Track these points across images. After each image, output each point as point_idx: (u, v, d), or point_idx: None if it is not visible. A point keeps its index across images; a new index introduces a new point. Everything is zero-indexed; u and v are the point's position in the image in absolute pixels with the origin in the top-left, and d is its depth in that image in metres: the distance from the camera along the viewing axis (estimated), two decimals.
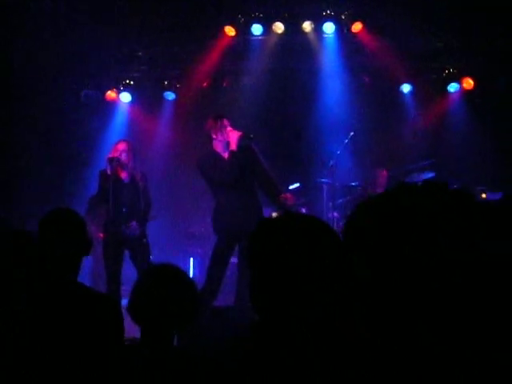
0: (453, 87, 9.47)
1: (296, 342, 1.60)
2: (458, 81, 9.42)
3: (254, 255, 1.80)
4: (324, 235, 1.75)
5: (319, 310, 1.65)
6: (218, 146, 6.15)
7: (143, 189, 6.68)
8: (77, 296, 2.90)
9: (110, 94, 9.56)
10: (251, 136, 6.14)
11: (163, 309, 2.50)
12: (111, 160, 6.48)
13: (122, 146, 6.71)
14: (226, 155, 6.08)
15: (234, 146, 6.02)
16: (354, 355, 1.50)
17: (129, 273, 6.44)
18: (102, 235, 6.74)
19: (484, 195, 8.48)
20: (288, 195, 6.39)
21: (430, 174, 8.47)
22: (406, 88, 9.65)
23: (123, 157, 6.59)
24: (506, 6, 8.14)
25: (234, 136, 6.04)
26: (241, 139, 6.05)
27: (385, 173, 8.92)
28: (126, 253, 6.67)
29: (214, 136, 6.13)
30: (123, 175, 6.63)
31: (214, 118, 6.18)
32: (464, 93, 9.55)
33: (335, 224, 8.42)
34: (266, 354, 1.63)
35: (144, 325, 2.52)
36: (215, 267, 6.15)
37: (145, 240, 6.70)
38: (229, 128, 6.10)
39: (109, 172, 6.46)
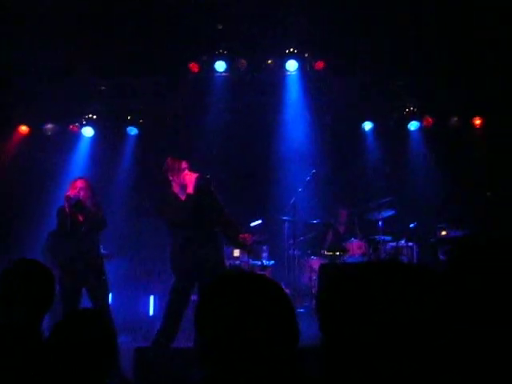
0: (413, 125, 9.61)
1: None
2: (419, 119, 9.56)
3: (202, 319, 1.75)
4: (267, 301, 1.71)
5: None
6: (176, 188, 6.15)
7: (98, 217, 6.61)
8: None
9: (73, 129, 9.52)
10: (208, 177, 6.15)
11: None
12: (69, 198, 6.42)
13: (80, 184, 6.63)
14: (183, 197, 6.06)
15: (190, 189, 6.02)
16: None
17: None
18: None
19: (444, 232, 8.57)
20: (246, 235, 6.36)
21: (391, 212, 8.56)
22: (367, 126, 9.78)
23: (81, 194, 6.53)
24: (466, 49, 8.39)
25: (191, 179, 6.05)
26: (198, 180, 6.06)
27: (345, 212, 9.04)
28: (84, 291, 6.52)
29: (171, 178, 6.15)
30: (81, 213, 6.54)
31: (171, 161, 6.18)
32: (424, 131, 9.70)
33: (296, 262, 8.42)
34: None
35: None
36: (173, 306, 6.05)
37: (104, 277, 6.57)
38: (186, 171, 6.10)
39: (67, 209, 6.40)
